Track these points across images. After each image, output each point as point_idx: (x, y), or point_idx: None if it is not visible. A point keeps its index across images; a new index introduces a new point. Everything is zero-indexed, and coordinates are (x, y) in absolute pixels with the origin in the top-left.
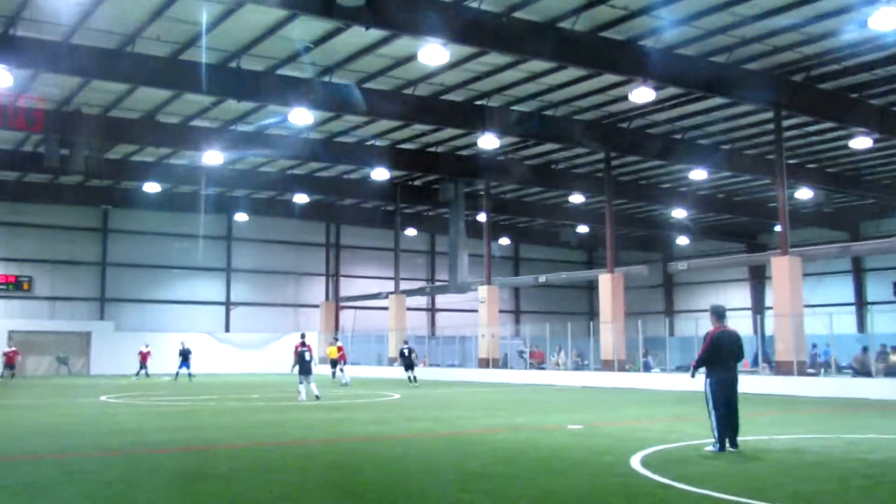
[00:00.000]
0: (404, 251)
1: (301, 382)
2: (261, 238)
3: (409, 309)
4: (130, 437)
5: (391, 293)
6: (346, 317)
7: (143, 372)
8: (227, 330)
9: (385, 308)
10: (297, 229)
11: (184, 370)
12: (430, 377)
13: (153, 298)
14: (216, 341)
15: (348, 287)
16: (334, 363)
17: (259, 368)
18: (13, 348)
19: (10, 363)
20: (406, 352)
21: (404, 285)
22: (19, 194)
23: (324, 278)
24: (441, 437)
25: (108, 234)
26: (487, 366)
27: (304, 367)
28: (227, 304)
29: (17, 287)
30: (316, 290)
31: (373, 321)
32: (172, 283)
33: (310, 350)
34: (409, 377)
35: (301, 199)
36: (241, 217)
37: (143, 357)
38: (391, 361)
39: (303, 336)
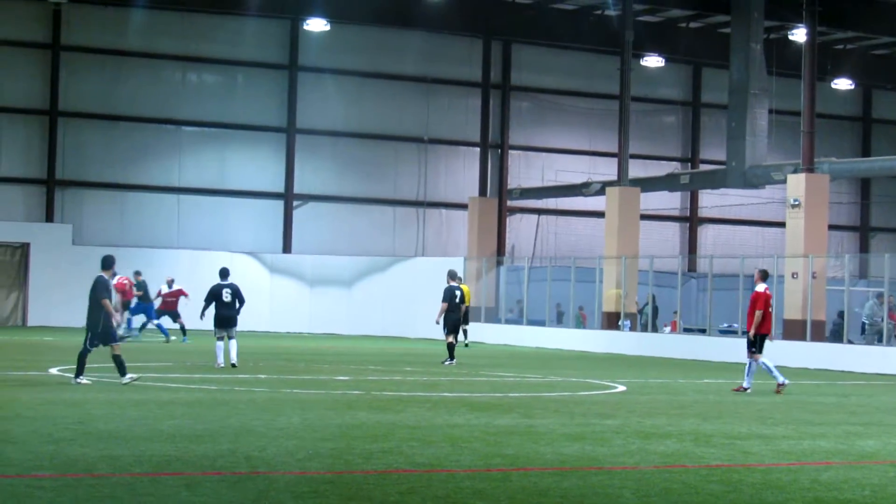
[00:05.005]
0: (638, 101)
1: (220, 339)
2: (353, 69)
3: (645, 217)
4: (111, 446)
5: (609, 184)
6: (521, 227)
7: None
8: (288, 249)
9: (597, 214)
10: (424, 52)
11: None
12: (680, 353)
13: (147, 184)
14: (266, 271)
15: (525, 170)
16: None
17: (344, 323)
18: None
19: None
20: (456, 295)
21: (637, 169)
22: None
23: (477, 152)
24: (706, 473)
25: (59, 54)
26: (801, 336)
27: (225, 313)
28: (288, 199)
29: None
30: (462, 174)
31: (571, 239)
32: (183, 155)
33: (235, 290)
34: (454, 342)
35: None
36: (314, 25)
37: (172, 299)
38: (614, 320)
39: (170, 283)
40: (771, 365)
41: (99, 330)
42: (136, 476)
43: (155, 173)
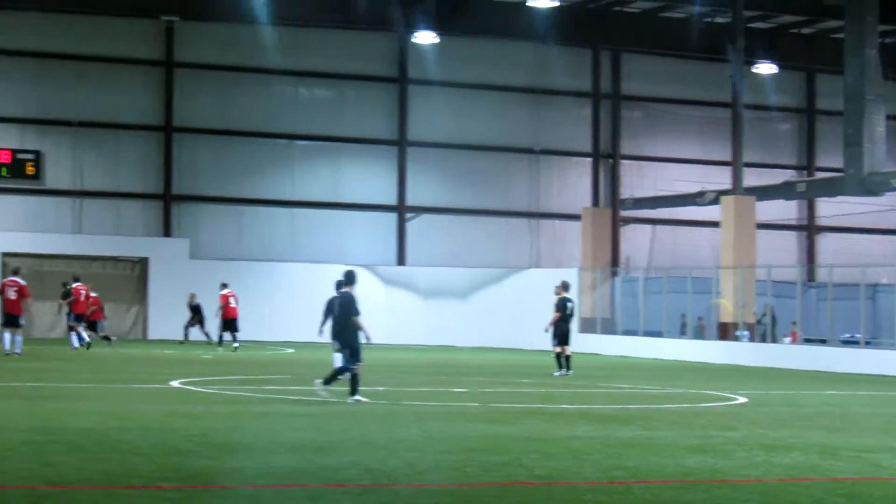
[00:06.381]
0: (751, 108)
1: (338, 351)
2: (462, 81)
3: (761, 226)
4: (234, 458)
5: (724, 193)
6: (635, 237)
7: (230, 336)
8: (402, 261)
9: (712, 223)
10: (533, 63)
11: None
12: (800, 364)
13: (261, 198)
14: (381, 283)
15: (638, 180)
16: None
17: (459, 335)
18: (12, 279)
19: (83, 311)
20: (568, 307)
21: (752, 177)
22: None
23: (589, 163)
24: (832, 486)
25: (173, 70)
26: None
27: (341, 325)
28: (401, 212)
29: (13, 171)
30: (574, 185)
31: (686, 249)
32: (296, 169)
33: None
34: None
35: (542, 1)
36: (423, 38)
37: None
38: (730, 330)
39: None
40: None
41: (353, 346)
42: (260, 488)
43: (269, 187)
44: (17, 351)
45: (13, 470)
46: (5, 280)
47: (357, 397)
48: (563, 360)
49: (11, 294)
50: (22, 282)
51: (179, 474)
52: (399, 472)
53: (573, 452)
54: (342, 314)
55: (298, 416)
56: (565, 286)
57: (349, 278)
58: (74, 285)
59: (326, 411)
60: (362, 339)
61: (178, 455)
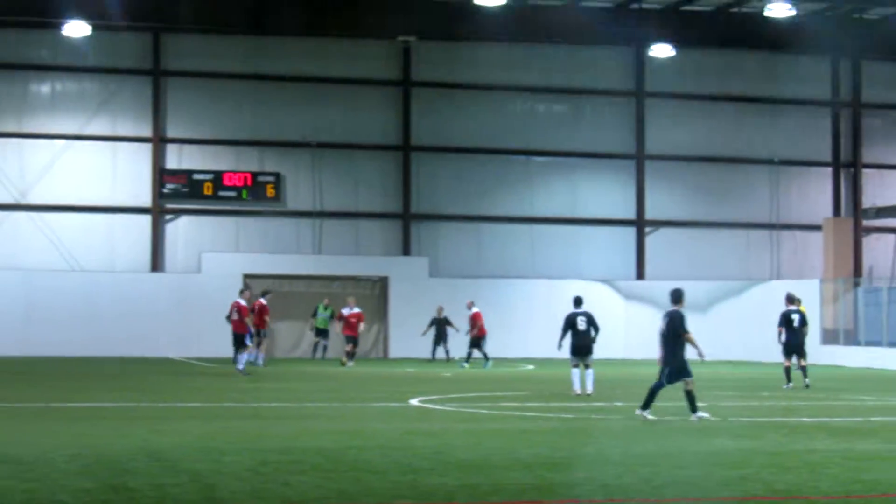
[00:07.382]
0: None
1: (576, 366)
2: (699, 92)
3: None
4: (469, 475)
5: None
6: (878, 247)
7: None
8: (641, 275)
9: None
10: (770, 73)
11: None
12: None
13: (500, 215)
14: (621, 298)
15: (880, 189)
16: None
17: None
18: (236, 301)
19: (260, 326)
20: (793, 319)
21: None
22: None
23: (829, 172)
24: None
25: (410, 90)
26: None
27: (579, 341)
28: (640, 226)
29: (254, 194)
30: (814, 195)
31: None
32: (534, 185)
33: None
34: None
35: (781, 9)
36: (660, 51)
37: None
38: None
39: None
40: None
41: (675, 365)
42: None
43: (507, 204)
44: (239, 368)
45: (252, 490)
46: (233, 302)
47: (700, 414)
48: (801, 372)
49: (235, 315)
50: (243, 302)
51: (414, 492)
52: (634, 487)
53: (811, 466)
54: (670, 332)
55: (534, 433)
56: (790, 298)
57: (676, 296)
58: (257, 299)
59: (562, 428)
60: (694, 356)
61: (414, 473)
